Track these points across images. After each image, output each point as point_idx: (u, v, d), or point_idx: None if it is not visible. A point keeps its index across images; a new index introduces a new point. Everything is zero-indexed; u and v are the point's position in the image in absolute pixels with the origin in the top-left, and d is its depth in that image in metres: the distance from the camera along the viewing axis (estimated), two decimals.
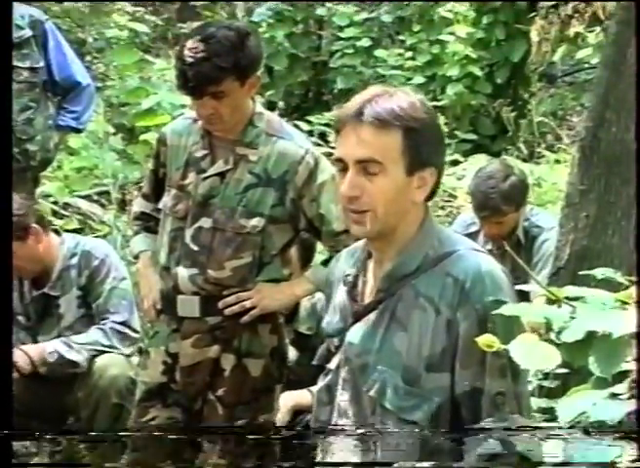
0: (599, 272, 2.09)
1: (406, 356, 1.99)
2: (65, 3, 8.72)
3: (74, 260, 3.80)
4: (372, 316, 2.05)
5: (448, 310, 1.98)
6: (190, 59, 2.91)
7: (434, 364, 1.98)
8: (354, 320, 2.07)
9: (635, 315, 1.74)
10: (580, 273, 2.15)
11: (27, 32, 4.41)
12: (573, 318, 1.78)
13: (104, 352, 3.72)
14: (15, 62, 4.37)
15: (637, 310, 1.75)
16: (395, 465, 1.90)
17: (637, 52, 3.01)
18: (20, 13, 4.43)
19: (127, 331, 3.76)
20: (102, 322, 3.75)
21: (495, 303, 1.95)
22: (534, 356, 1.73)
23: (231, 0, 8.86)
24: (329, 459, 2.03)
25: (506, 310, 1.85)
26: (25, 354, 3.68)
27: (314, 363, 2.18)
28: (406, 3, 8.47)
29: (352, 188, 1.98)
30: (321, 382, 2.14)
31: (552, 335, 1.78)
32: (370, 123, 1.96)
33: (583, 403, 1.76)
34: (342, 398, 2.08)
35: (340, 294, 2.13)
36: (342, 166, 2.00)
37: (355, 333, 2.06)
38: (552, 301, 1.85)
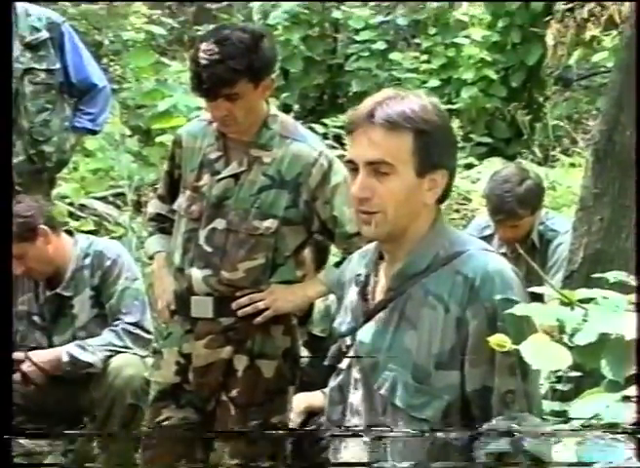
0: (612, 275, 2.09)
1: (416, 354, 2.00)
2: (83, 5, 8.76)
3: (87, 261, 3.82)
4: (382, 315, 2.06)
5: (457, 308, 1.99)
6: (204, 61, 2.93)
7: (444, 362, 1.99)
8: (365, 319, 2.09)
9: None
10: (593, 276, 2.15)
11: (44, 34, 4.43)
12: (585, 321, 1.78)
13: (119, 353, 3.74)
14: (31, 64, 4.39)
15: (637, 313, 1.75)
16: (375, 465, 1.92)
17: (637, 51, 3.00)
18: (38, 15, 4.45)
19: (139, 331, 3.78)
20: (115, 323, 3.77)
21: (504, 302, 1.97)
22: (544, 356, 1.73)
23: (246, 0, 8.88)
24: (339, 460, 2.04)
25: (519, 310, 1.85)
26: (35, 366, 3.69)
27: (326, 363, 2.19)
28: (421, 6, 8.47)
29: (363, 190, 2.00)
30: (333, 382, 2.15)
31: (565, 338, 1.78)
32: (381, 125, 1.99)
33: (596, 405, 1.76)
34: (354, 397, 2.10)
35: (352, 295, 2.14)
36: (354, 167, 2.02)
37: (366, 332, 2.08)
38: (565, 304, 1.85)
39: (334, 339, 3.84)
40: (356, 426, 2.09)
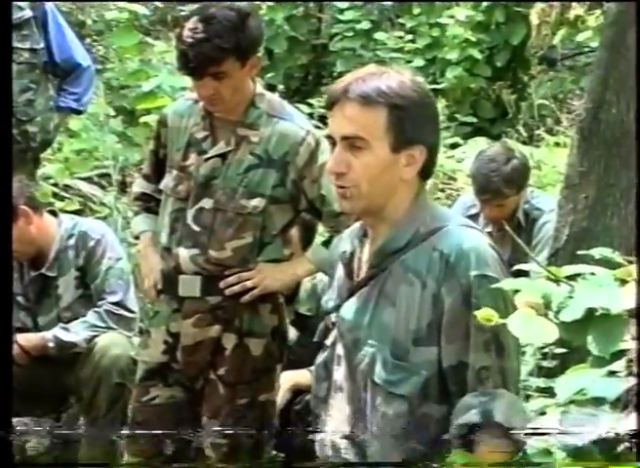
0: (597, 252, 2.10)
1: (394, 330, 2.02)
2: None
3: (71, 241, 3.81)
4: (364, 291, 2.07)
5: (434, 284, 2.00)
6: (191, 40, 2.92)
7: (421, 338, 2.00)
8: (348, 296, 2.10)
9: (634, 292, 1.75)
10: (579, 253, 2.16)
11: (28, 13, 4.41)
12: (571, 297, 1.79)
13: (103, 333, 3.74)
14: (15, 43, 4.37)
15: (638, 289, 1.76)
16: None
17: (637, 48, 3.00)
18: None
19: (122, 311, 3.78)
20: (99, 303, 3.77)
21: (479, 278, 1.98)
22: (531, 330, 1.74)
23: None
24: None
25: (506, 284, 1.86)
26: (20, 349, 3.68)
27: (315, 340, 2.20)
28: None
29: (338, 164, 2.02)
30: (319, 359, 2.16)
31: (551, 315, 1.79)
32: (355, 100, 2.00)
33: (582, 381, 1.78)
34: (338, 373, 2.11)
35: (339, 272, 2.15)
36: (332, 142, 2.04)
37: (348, 309, 2.09)
38: (551, 281, 1.86)
39: (320, 318, 3.86)
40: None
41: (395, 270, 2.04)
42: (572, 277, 1.85)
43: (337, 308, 2.12)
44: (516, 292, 1.83)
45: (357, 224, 2.17)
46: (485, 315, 1.79)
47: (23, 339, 3.72)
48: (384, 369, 2.02)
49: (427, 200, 2.11)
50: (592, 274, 1.81)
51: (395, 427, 2.01)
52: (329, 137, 2.05)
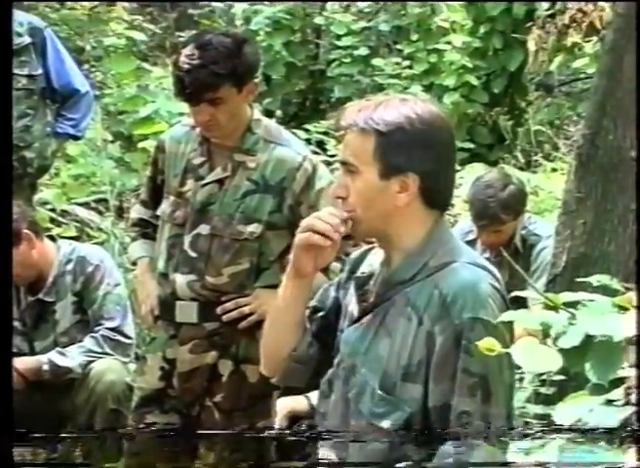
0: (595, 279, 2.10)
1: (386, 363, 2.01)
2: (64, 10, 8.73)
3: (69, 266, 3.81)
4: (367, 319, 2.07)
5: (429, 322, 1.98)
6: (187, 66, 2.93)
7: (410, 374, 1.99)
8: (355, 319, 2.09)
9: (634, 319, 1.74)
10: (577, 280, 2.16)
11: (26, 39, 4.42)
12: (572, 324, 1.79)
13: (99, 359, 3.73)
14: (13, 70, 4.38)
15: (638, 315, 1.76)
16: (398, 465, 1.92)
17: (637, 52, 3.01)
18: (19, 20, 4.44)
19: (119, 337, 3.76)
20: (96, 329, 3.76)
21: (473, 321, 1.96)
22: (535, 358, 1.73)
23: (228, 0, 8.88)
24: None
25: (505, 316, 1.85)
26: (16, 371, 3.67)
27: (333, 354, 2.18)
28: (403, 12, 8.48)
29: (338, 188, 2.07)
30: (327, 375, 2.15)
31: (549, 342, 1.78)
32: (350, 127, 2.04)
33: (580, 409, 1.77)
34: (335, 394, 2.11)
35: (353, 291, 2.14)
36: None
37: (350, 334, 2.09)
38: (550, 308, 1.86)
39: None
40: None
41: (398, 302, 2.03)
42: (570, 304, 1.84)
43: (343, 329, 2.12)
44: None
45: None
46: (486, 345, 1.77)
47: (19, 362, 3.71)
48: (371, 399, 2.01)
49: (444, 232, 2.08)
50: (591, 301, 1.80)
51: (372, 459, 1.99)
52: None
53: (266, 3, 8.16)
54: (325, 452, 2.08)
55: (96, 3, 9.46)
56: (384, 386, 2.00)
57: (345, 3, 8.82)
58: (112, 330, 3.76)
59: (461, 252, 2.07)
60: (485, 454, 1.94)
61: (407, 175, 2.02)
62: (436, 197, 2.06)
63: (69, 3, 9.23)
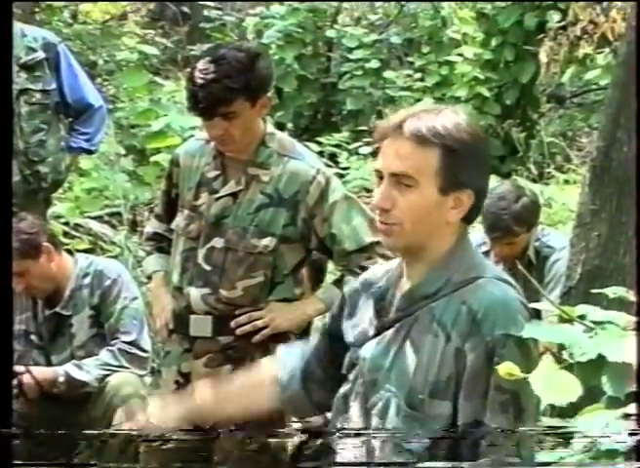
0: (611, 291, 2.08)
1: (413, 379, 1.98)
2: (77, 25, 8.79)
3: (87, 280, 3.82)
4: (388, 333, 2.04)
5: (458, 339, 1.96)
6: (201, 81, 2.93)
7: (438, 390, 1.96)
8: (374, 334, 2.07)
9: None
10: (592, 292, 2.15)
11: (40, 54, 4.44)
12: (590, 337, 1.78)
13: (115, 372, 3.73)
14: (27, 85, 4.40)
15: (637, 318, 1.75)
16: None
17: (637, 52, 3.01)
18: (33, 35, 4.46)
19: (135, 351, 3.77)
20: (112, 342, 3.77)
21: (504, 338, 1.93)
22: (554, 388, 1.71)
23: (250, 0, 8.93)
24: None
25: (526, 332, 1.83)
26: (33, 378, 3.69)
27: (342, 372, 2.17)
28: (414, 24, 8.51)
29: (384, 200, 1.97)
30: (340, 390, 2.13)
31: (565, 355, 1.78)
32: (408, 138, 1.96)
33: (596, 422, 1.76)
34: (353, 410, 2.09)
35: (368, 307, 2.11)
36: (379, 176, 2.00)
37: (370, 349, 2.06)
38: (565, 320, 1.85)
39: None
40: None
41: (422, 317, 2.00)
42: (584, 316, 1.83)
43: (362, 344, 2.09)
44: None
45: (395, 261, 2.12)
46: (506, 369, 1.76)
47: (37, 371, 3.72)
48: (397, 416, 1.99)
49: (468, 246, 2.05)
50: (610, 323, 1.78)
51: None
52: (377, 171, 2.01)
53: (277, 16, 8.19)
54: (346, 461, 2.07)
55: (108, 18, 9.51)
56: (411, 402, 1.97)
57: (357, 16, 8.85)
58: (129, 343, 3.77)
59: (486, 266, 2.04)
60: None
61: (463, 191, 1.98)
62: (476, 213, 2.03)
63: (82, 18, 9.28)
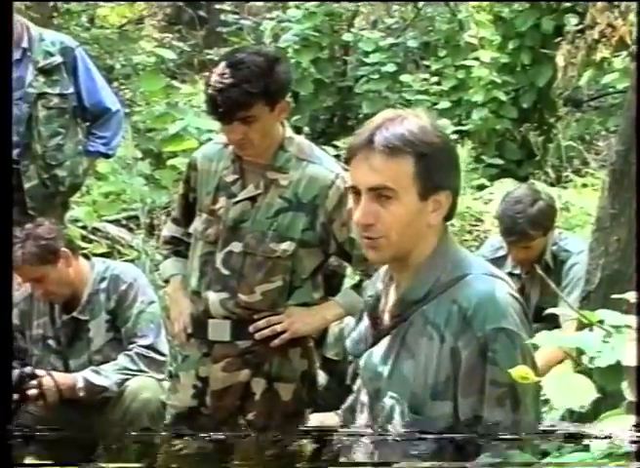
0: (630, 296, 2.07)
1: (413, 384, 1.99)
2: (94, 30, 8.81)
3: (103, 285, 3.82)
4: (385, 341, 2.05)
5: (451, 338, 1.96)
6: (219, 85, 2.93)
7: (438, 392, 1.97)
8: (372, 343, 2.08)
9: None
10: (612, 297, 2.14)
11: (58, 59, 4.45)
12: (606, 342, 1.77)
13: (133, 376, 3.74)
14: (45, 89, 4.41)
15: (638, 320, 1.74)
16: (396, 465, 1.91)
17: (638, 51, 3.00)
18: (51, 39, 4.47)
19: (153, 354, 3.77)
20: (129, 347, 3.77)
21: (496, 331, 1.94)
22: (567, 392, 1.70)
23: (254, 0, 8.93)
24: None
25: (539, 340, 1.83)
26: (54, 382, 3.69)
27: (347, 383, 2.19)
28: (431, 28, 8.50)
29: (366, 216, 1.98)
30: (347, 402, 2.15)
31: (585, 360, 1.77)
32: (381, 150, 1.96)
33: (616, 427, 1.75)
34: (360, 420, 2.10)
35: (365, 317, 2.14)
36: (355, 192, 2.00)
37: (369, 358, 2.07)
38: (584, 325, 1.84)
39: (348, 362, 3.83)
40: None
41: (416, 321, 2.01)
42: (603, 321, 1.82)
43: (361, 354, 2.10)
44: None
45: (383, 268, 2.14)
46: (520, 373, 1.75)
47: (58, 377, 3.72)
48: (401, 421, 1.99)
49: (450, 244, 2.06)
50: (629, 327, 1.77)
51: None
52: (352, 188, 2.01)
53: (294, 20, 8.20)
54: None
55: (125, 22, 9.54)
56: (414, 407, 1.98)
57: (373, 19, 8.85)
58: (146, 347, 3.77)
59: (472, 263, 2.05)
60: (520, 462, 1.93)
61: (441, 193, 2.00)
62: (453, 211, 2.05)
63: (99, 22, 9.31)
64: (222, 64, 2.97)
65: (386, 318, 2.06)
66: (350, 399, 2.14)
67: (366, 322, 2.12)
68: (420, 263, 2.02)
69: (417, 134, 1.97)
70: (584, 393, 1.70)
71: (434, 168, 1.98)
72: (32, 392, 3.67)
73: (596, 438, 1.82)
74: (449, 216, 2.04)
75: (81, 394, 3.71)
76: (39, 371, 3.71)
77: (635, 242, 3.10)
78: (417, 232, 2.00)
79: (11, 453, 2.09)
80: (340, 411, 3.75)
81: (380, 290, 2.09)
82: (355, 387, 2.13)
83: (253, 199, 3.06)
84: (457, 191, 2.04)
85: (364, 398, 2.09)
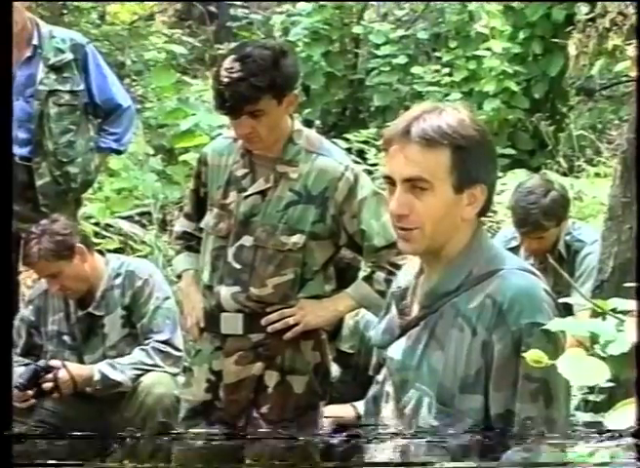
0: None
1: (442, 375, 1.98)
2: (104, 26, 8.82)
3: (118, 280, 3.84)
4: (414, 332, 2.04)
5: (484, 331, 1.96)
6: (227, 80, 2.94)
7: (468, 385, 1.97)
8: (399, 334, 2.07)
9: None
10: (625, 285, 2.13)
11: (68, 56, 4.45)
12: (619, 331, 1.76)
13: (149, 371, 3.75)
14: (56, 86, 4.42)
15: (638, 320, 1.74)
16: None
17: (638, 51, 2.98)
18: (62, 36, 4.48)
19: (169, 349, 3.78)
20: (145, 342, 3.78)
21: (530, 326, 1.94)
22: (582, 371, 1.70)
23: (264, 0, 8.92)
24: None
25: (552, 325, 1.83)
26: (69, 375, 3.71)
27: (370, 373, 2.18)
28: (441, 19, 8.47)
29: (401, 206, 1.97)
30: (370, 393, 2.14)
31: (598, 349, 1.76)
32: (417, 141, 1.96)
33: (630, 416, 1.74)
34: (386, 411, 2.10)
35: (392, 307, 2.13)
36: (390, 182, 2.00)
37: (397, 349, 2.06)
38: (597, 314, 1.84)
39: (363, 355, 3.83)
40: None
41: (446, 313, 2.00)
42: (617, 310, 1.82)
43: (388, 344, 2.09)
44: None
45: (415, 260, 2.12)
46: (534, 357, 1.75)
47: (74, 368, 3.73)
48: (429, 413, 1.99)
49: (484, 239, 2.05)
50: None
51: None
52: (387, 178, 2.01)
53: (304, 14, 8.19)
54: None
55: (135, 18, 9.55)
56: (442, 399, 1.98)
57: (383, 11, 8.83)
58: (162, 342, 3.78)
59: (505, 258, 2.04)
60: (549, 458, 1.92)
61: (476, 186, 1.99)
62: (489, 206, 2.04)
63: (110, 19, 9.32)
64: (229, 59, 2.97)
65: (415, 309, 2.05)
66: (374, 389, 2.13)
67: (393, 313, 2.11)
68: (453, 256, 2.01)
69: (454, 126, 1.96)
70: (598, 373, 1.69)
71: (470, 161, 1.97)
72: (47, 385, 3.69)
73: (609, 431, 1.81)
74: (483, 211, 2.03)
75: (97, 387, 3.72)
76: (54, 362, 3.73)
77: None
78: (451, 225, 1.99)
79: (11, 453, 2.09)
80: (355, 404, 3.76)
81: (409, 281, 2.08)
82: (380, 378, 2.12)
83: (263, 193, 3.06)
84: (492, 185, 2.03)
85: (389, 389, 2.08)
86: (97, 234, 5.78)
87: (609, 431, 1.79)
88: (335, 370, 3.39)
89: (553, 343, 1.92)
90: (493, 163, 2.05)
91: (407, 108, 2.22)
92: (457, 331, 1.98)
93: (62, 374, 3.70)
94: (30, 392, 3.70)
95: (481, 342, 1.96)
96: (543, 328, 1.91)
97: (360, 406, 3.63)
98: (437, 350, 2.00)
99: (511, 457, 1.93)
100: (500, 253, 2.06)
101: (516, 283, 1.97)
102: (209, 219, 3.13)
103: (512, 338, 1.94)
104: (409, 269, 2.13)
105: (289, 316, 3.04)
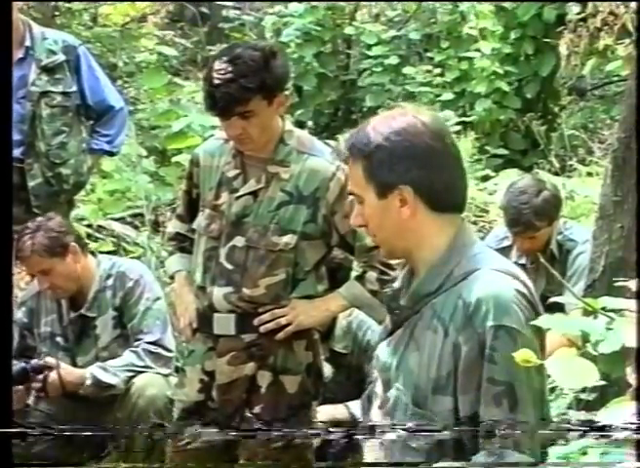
0: (633, 283, 2.07)
1: (417, 376, 1.99)
2: (96, 28, 8.81)
3: (109, 282, 3.84)
4: (399, 333, 2.06)
5: (455, 333, 1.96)
6: (217, 81, 2.94)
7: (440, 386, 1.97)
8: (387, 334, 2.09)
9: None
10: (616, 285, 2.13)
11: (61, 57, 4.45)
12: (610, 329, 1.77)
13: (140, 373, 3.74)
14: (48, 87, 4.42)
15: (638, 319, 1.74)
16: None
17: (638, 50, 2.99)
18: (54, 38, 4.48)
19: (160, 350, 3.78)
20: (136, 343, 3.78)
21: (495, 328, 1.93)
22: (571, 373, 1.70)
23: (255, 0, 8.93)
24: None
25: (541, 322, 1.83)
26: (58, 377, 3.70)
27: (366, 373, 2.20)
28: (433, 20, 8.48)
29: (354, 218, 2.10)
30: (366, 390, 2.16)
31: (589, 347, 1.77)
32: (348, 157, 2.07)
33: (623, 415, 1.75)
34: (373, 410, 2.11)
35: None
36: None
37: (382, 349, 2.09)
38: (589, 313, 1.84)
39: (356, 355, 3.83)
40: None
41: (425, 314, 2.01)
42: (608, 309, 1.82)
43: (377, 344, 2.13)
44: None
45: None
46: (522, 356, 1.75)
47: (64, 371, 3.72)
48: (404, 414, 2.00)
49: (468, 239, 2.04)
50: (630, 311, 1.77)
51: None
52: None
53: (296, 15, 8.19)
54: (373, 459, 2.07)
55: (128, 20, 9.54)
56: (417, 400, 1.99)
57: (375, 12, 8.84)
58: (152, 343, 3.78)
59: (485, 258, 2.02)
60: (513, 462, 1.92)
61: (400, 188, 2.00)
62: (438, 201, 2.02)
63: (102, 20, 9.31)
64: (219, 60, 2.98)
65: (403, 310, 2.06)
66: (369, 388, 2.15)
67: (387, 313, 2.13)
68: (435, 258, 2.02)
69: (360, 137, 2.02)
70: (587, 375, 1.69)
71: (380, 166, 2.01)
72: (35, 385, 3.69)
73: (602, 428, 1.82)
74: (439, 206, 2.01)
75: (89, 391, 3.72)
76: (49, 360, 3.72)
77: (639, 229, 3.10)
78: (394, 227, 2.02)
79: (11, 453, 2.09)
80: (348, 404, 3.76)
81: (404, 282, 2.10)
82: (374, 377, 2.14)
83: (254, 193, 3.06)
84: (424, 182, 2.01)
85: (378, 388, 2.10)
86: (89, 236, 5.77)
87: (601, 428, 1.79)
88: (328, 369, 3.39)
89: (522, 346, 1.88)
90: (409, 161, 2.01)
91: None
92: (431, 332, 1.99)
93: (52, 376, 3.70)
94: (19, 387, 3.69)
95: (451, 344, 1.96)
96: (510, 328, 1.92)
97: (353, 405, 3.63)
98: (414, 351, 2.01)
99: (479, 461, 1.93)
100: (483, 253, 2.05)
101: (485, 283, 1.96)
102: (201, 220, 3.13)
103: (478, 340, 1.94)
104: (403, 271, 2.14)
105: (281, 316, 3.05)
